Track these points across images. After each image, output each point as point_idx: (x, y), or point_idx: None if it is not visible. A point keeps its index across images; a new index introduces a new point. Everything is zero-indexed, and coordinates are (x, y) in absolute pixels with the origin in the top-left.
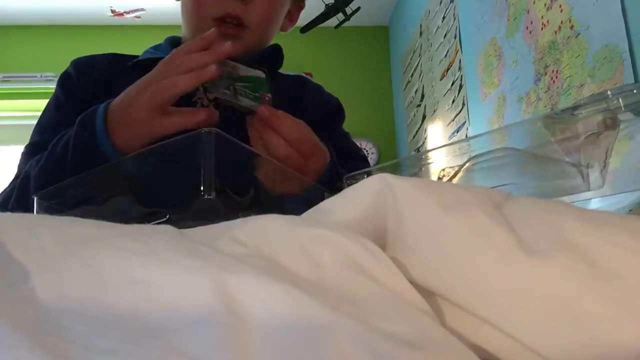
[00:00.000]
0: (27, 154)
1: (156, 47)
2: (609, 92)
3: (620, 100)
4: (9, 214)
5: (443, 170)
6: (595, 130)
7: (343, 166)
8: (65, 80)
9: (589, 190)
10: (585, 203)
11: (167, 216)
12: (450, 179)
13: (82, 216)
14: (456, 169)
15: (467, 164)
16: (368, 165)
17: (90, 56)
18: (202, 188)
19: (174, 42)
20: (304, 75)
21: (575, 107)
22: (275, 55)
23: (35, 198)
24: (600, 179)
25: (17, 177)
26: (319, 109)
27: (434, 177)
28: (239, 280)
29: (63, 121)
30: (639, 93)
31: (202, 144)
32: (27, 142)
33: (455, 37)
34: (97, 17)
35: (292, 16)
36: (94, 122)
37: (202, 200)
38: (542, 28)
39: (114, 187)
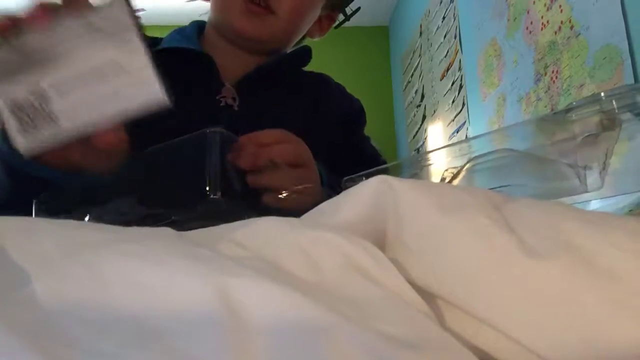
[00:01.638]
0: None
1: (181, 32)
2: (602, 94)
3: (614, 102)
4: (9, 217)
5: (446, 170)
6: (593, 131)
7: (360, 170)
8: None
9: (586, 191)
10: (585, 204)
11: (172, 217)
12: (450, 181)
13: (84, 217)
14: (456, 170)
15: (466, 166)
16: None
17: None
18: (207, 188)
19: (201, 26)
20: (326, 74)
21: (568, 110)
22: (304, 55)
23: (34, 201)
24: (599, 181)
25: None
26: (342, 111)
27: (435, 179)
28: (239, 283)
29: None
30: (634, 95)
31: (207, 144)
32: None
33: (455, 37)
34: None
35: (322, 25)
36: None
37: (207, 201)
38: (542, 28)
39: (117, 188)
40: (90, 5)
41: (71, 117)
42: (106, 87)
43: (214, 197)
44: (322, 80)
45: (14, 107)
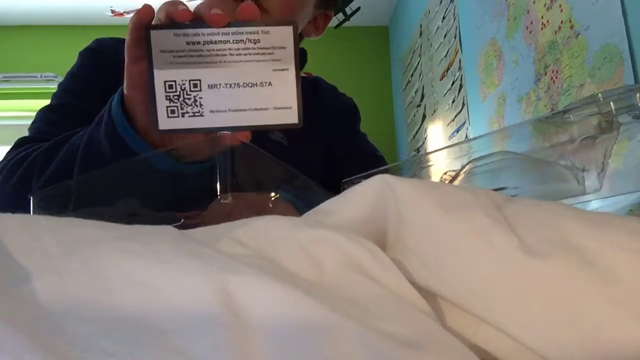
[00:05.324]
0: (47, 121)
1: None
2: (600, 96)
3: (612, 104)
4: (9, 214)
5: (445, 173)
6: (591, 133)
7: (360, 169)
8: (88, 53)
9: (584, 193)
10: (585, 204)
11: (182, 220)
12: (450, 182)
13: (85, 216)
14: (455, 173)
15: (465, 167)
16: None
17: (115, 38)
18: (218, 192)
19: None
20: (318, 76)
21: (565, 111)
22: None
23: (31, 198)
24: (597, 183)
25: (33, 140)
26: (334, 111)
27: (435, 180)
28: (239, 281)
29: (87, 88)
30: (632, 96)
31: (218, 148)
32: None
33: (455, 37)
34: (97, 17)
35: (317, 24)
36: (111, 110)
37: (218, 205)
38: (542, 28)
39: (125, 190)
40: (261, 22)
41: (214, 111)
42: (253, 99)
43: (225, 201)
44: (314, 83)
45: (168, 87)
